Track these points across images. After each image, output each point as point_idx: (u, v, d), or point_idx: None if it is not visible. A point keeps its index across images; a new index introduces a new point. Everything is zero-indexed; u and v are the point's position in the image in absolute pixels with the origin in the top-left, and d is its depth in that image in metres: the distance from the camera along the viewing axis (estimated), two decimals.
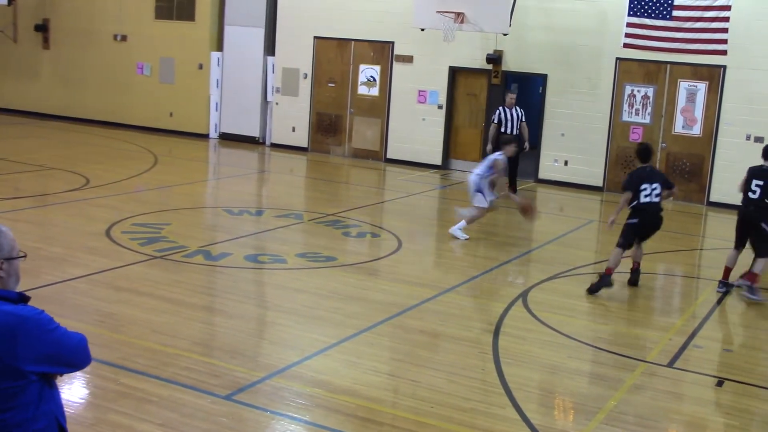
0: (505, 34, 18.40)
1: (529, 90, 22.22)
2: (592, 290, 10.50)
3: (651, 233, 10.98)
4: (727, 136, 17.68)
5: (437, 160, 20.55)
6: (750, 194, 10.69)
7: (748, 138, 17.45)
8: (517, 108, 17.25)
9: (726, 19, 17.17)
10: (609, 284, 10.49)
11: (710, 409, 7.40)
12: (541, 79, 19.49)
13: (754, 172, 10.81)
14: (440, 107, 20.41)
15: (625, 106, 18.64)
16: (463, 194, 18.17)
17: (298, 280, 10.37)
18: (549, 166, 19.37)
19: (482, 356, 8.03)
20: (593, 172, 18.93)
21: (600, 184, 18.93)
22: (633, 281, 11.03)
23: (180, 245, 11.43)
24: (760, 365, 8.81)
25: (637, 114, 18.59)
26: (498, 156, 13.21)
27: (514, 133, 17.13)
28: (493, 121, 17.34)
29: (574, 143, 18.97)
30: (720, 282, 11.06)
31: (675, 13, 17.55)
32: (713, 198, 17.84)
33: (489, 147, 17.34)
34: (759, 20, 17.25)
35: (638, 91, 18.57)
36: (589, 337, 8.97)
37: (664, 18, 17.62)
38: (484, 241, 13.47)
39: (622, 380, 7.73)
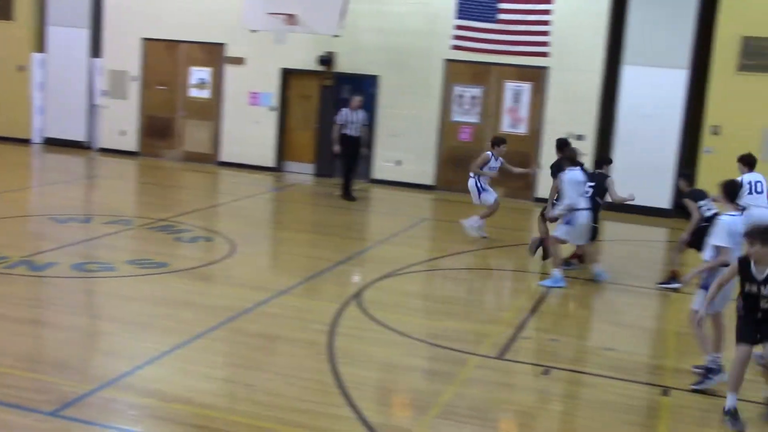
0: (337, 36, 18.48)
1: (362, 91, 22.44)
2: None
3: None
4: (550, 134, 18.37)
5: (271, 162, 20.45)
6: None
7: (569, 136, 18.18)
8: (361, 111, 17.40)
9: (547, 23, 17.92)
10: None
11: (538, 397, 7.67)
12: (373, 80, 19.70)
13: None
14: (273, 109, 20.32)
15: (455, 107, 19.11)
16: (298, 195, 18.20)
17: (129, 287, 10.07)
18: (382, 166, 19.60)
19: (318, 357, 8.04)
20: (425, 172, 19.30)
21: (432, 182, 19.32)
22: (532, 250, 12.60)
23: (0, 256, 10.89)
24: (583, 353, 9.24)
25: (466, 114, 19.09)
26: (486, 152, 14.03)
27: (357, 135, 17.28)
28: (336, 122, 17.34)
29: (406, 143, 19.28)
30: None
31: (500, 16, 18.16)
32: (539, 194, 18.51)
33: (336, 148, 17.30)
34: (578, 23, 18.04)
35: (467, 91, 19.07)
36: (423, 333, 9.14)
37: (489, 21, 18.18)
38: (319, 242, 13.50)
39: (456, 374, 7.91)
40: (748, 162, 12.30)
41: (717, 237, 7.90)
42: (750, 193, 11.80)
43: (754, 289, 7.00)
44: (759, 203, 11.78)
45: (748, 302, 7.08)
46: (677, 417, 7.37)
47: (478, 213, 14.24)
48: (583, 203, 11.42)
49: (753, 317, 7.07)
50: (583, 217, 11.39)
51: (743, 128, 17.23)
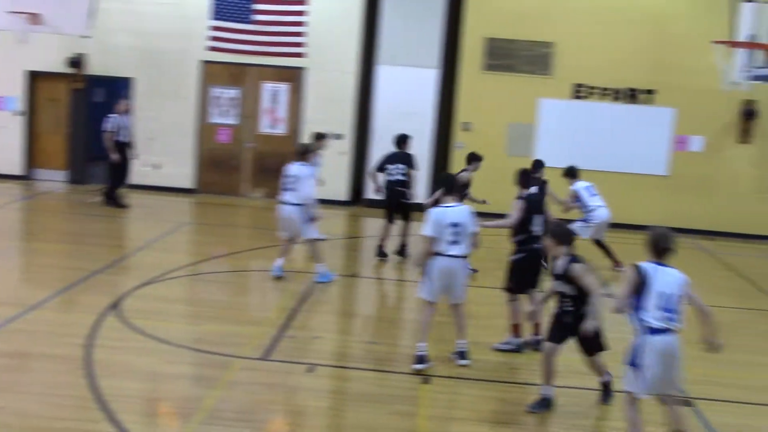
0: (86, 37, 17.74)
1: (116, 94, 21.72)
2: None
3: (396, 207, 13.29)
4: (309, 134, 18.56)
5: (19, 170, 19.31)
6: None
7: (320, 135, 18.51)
8: (128, 114, 16.78)
9: (303, 24, 18.12)
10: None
11: (304, 395, 7.73)
12: (127, 83, 19.08)
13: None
14: (20, 114, 19.21)
15: (213, 108, 18.87)
16: (50, 203, 17.30)
17: None
18: (140, 171, 19.00)
19: (75, 372, 7.69)
20: (185, 174, 18.94)
21: (192, 186, 19.00)
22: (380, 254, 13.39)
23: None
24: (347, 348, 9.42)
25: (224, 115, 18.91)
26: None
27: (128, 140, 16.65)
28: (108, 130, 16.53)
29: (165, 146, 18.83)
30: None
31: (256, 17, 18.16)
32: None
33: (115, 157, 16.47)
34: (334, 24, 18.33)
35: (224, 93, 18.90)
36: (185, 339, 8.97)
37: (245, 22, 18.12)
38: (74, 252, 12.91)
39: (220, 378, 7.83)
40: (571, 173, 13.53)
41: (424, 227, 8.40)
42: (592, 196, 13.36)
43: (555, 285, 7.45)
44: (599, 204, 13.33)
45: (557, 301, 7.50)
46: (436, 403, 7.67)
47: None
48: (283, 196, 11.44)
49: (560, 319, 7.44)
50: (280, 211, 11.46)
51: (490, 124, 18.23)
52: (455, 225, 8.26)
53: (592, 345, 7.45)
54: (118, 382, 7.55)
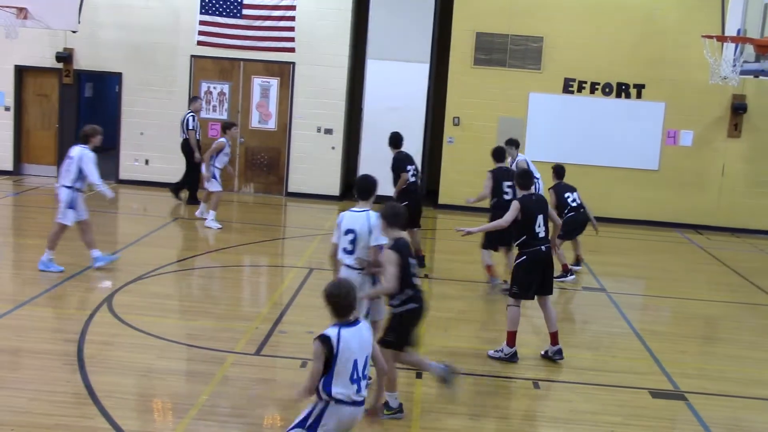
0: (74, 32, 17.66)
1: (104, 89, 21.64)
2: None
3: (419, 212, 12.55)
4: (299, 129, 18.56)
5: (8, 166, 19.23)
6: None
7: (318, 130, 18.50)
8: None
9: (292, 18, 18.12)
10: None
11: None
12: (116, 78, 19.01)
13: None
14: (7, 109, 19.10)
15: (203, 103, 18.79)
16: (41, 199, 17.21)
17: None
18: (129, 166, 18.97)
19: (68, 368, 7.67)
20: (174, 170, 18.85)
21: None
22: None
23: None
24: None
25: (214, 110, 18.85)
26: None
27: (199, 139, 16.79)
28: (189, 128, 16.50)
29: (154, 142, 18.77)
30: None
31: (245, 11, 18.15)
32: (291, 189, 18.66)
33: (198, 156, 16.39)
34: (321, 19, 18.30)
35: (214, 87, 18.84)
36: (178, 335, 8.94)
37: (235, 16, 18.12)
38: (64, 247, 12.84)
39: (213, 374, 7.81)
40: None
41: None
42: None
43: None
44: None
45: None
46: (428, 398, 7.66)
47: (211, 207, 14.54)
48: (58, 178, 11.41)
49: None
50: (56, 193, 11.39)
51: (481, 119, 18.24)
52: (350, 232, 7.37)
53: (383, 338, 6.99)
54: (112, 378, 7.53)
